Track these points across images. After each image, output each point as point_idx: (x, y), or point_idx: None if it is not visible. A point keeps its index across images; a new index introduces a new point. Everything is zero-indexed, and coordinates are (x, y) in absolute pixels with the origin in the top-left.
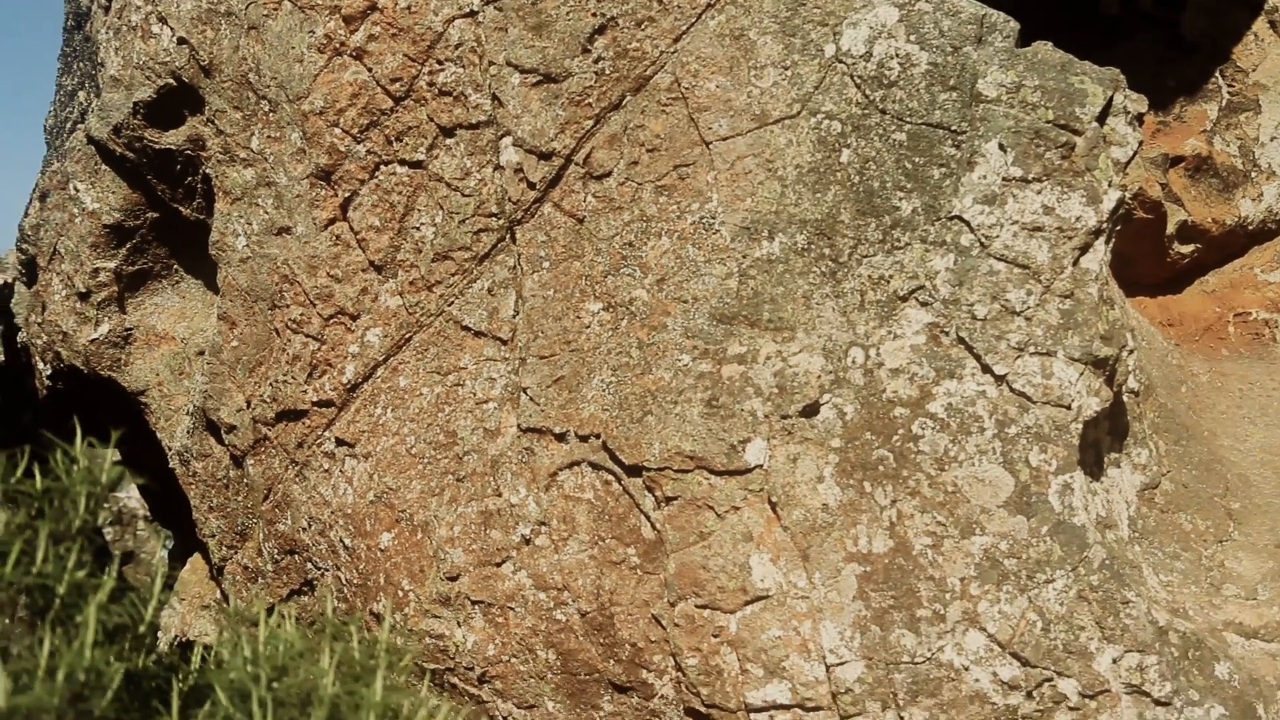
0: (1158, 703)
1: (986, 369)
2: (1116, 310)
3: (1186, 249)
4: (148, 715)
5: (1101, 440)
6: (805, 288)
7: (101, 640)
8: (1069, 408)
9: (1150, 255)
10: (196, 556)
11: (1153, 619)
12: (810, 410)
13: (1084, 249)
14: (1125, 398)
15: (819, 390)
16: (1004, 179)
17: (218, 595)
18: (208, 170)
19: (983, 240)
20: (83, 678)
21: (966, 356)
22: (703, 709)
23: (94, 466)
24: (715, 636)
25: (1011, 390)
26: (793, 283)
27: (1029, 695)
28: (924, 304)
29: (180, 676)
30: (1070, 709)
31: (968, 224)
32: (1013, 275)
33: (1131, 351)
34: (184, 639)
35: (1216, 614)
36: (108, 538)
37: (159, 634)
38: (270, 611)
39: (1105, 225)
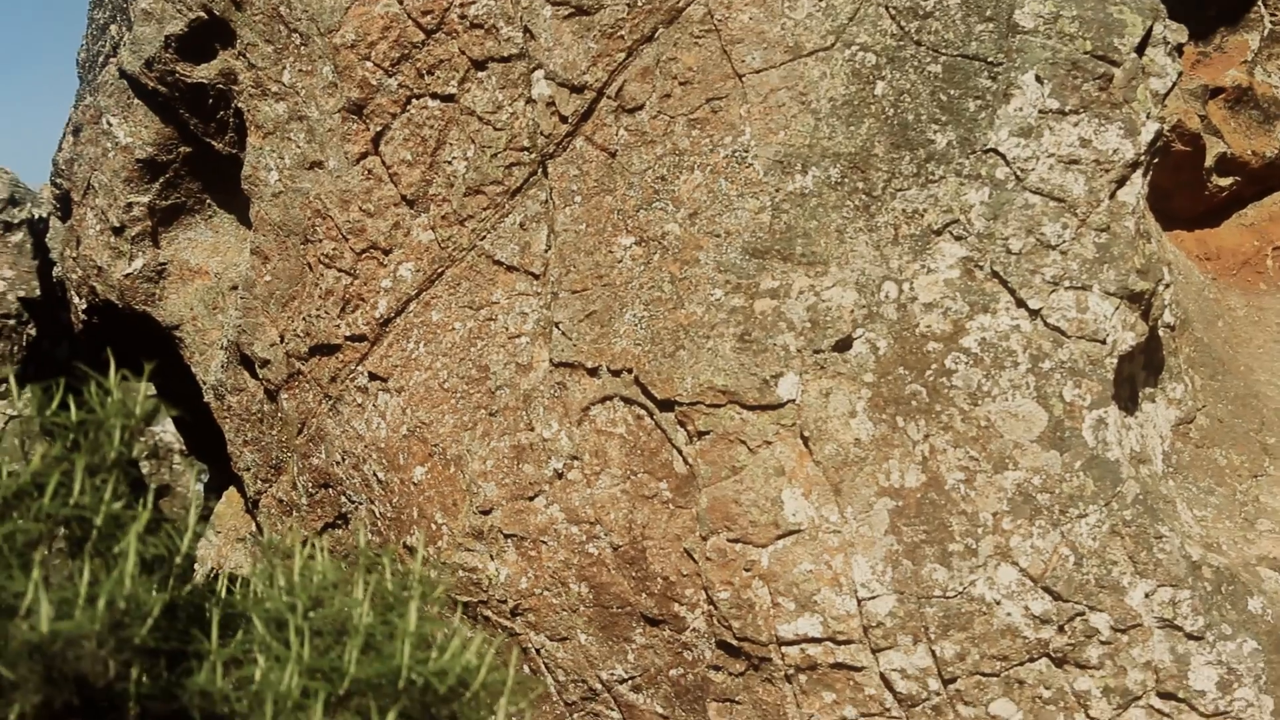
0: (1190, 637)
1: (1021, 303)
2: (1153, 244)
3: (1225, 182)
4: (186, 644)
5: (1136, 375)
6: (838, 222)
7: (139, 570)
8: (1104, 342)
9: (1188, 188)
10: (232, 490)
11: (1186, 554)
12: (843, 345)
13: (1121, 182)
14: (1161, 332)
15: (852, 325)
16: (1040, 111)
17: (253, 528)
18: (239, 104)
19: (1018, 173)
20: (123, 606)
21: (1001, 291)
22: (734, 641)
23: (128, 399)
24: (747, 570)
25: (1046, 325)
26: (826, 216)
27: (1060, 629)
28: (958, 238)
29: (217, 606)
30: (1102, 643)
31: (1003, 157)
32: (1048, 209)
33: (1168, 285)
34: (220, 571)
35: (1250, 549)
36: (144, 471)
37: (195, 566)
38: (305, 544)
39: (1143, 158)
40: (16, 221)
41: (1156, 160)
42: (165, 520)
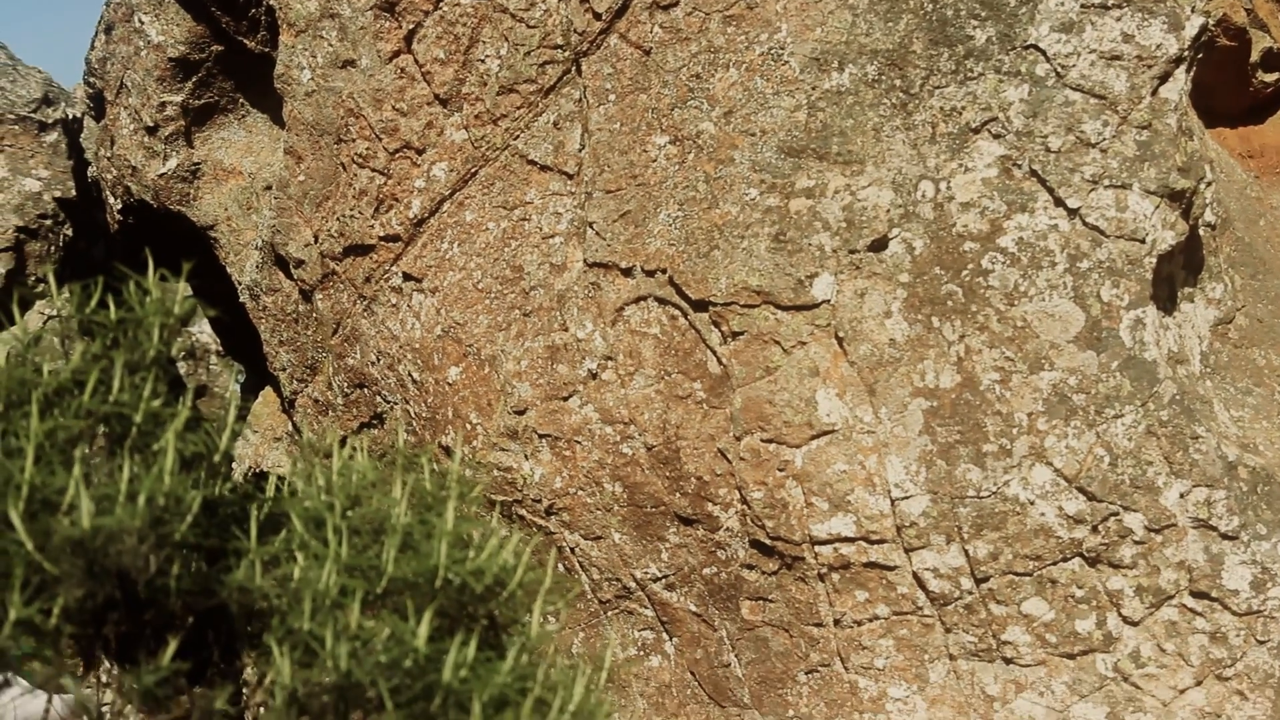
0: (1224, 536)
1: (1059, 202)
2: (1195, 141)
3: (1270, 78)
4: (225, 541)
5: (1175, 274)
6: (875, 120)
7: (179, 468)
8: (1143, 241)
9: (1232, 84)
10: (268, 390)
11: (1222, 454)
12: (879, 245)
13: (1163, 78)
14: (1201, 231)
15: (888, 224)
16: (1082, 5)
17: (289, 428)
18: (271, 1)
19: (1059, 70)
20: (162, 502)
21: (1039, 190)
22: (767, 541)
23: (167, 298)
24: (781, 470)
25: (1084, 224)
26: (862, 115)
27: (1094, 529)
28: (996, 136)
29: (256, 505)
30: (1136, 543)
31: (1043, 53)
32: (1089, 106)
33: (1209, 184)
34: (258, 470)
35: None
36: (181, 372)
37: (234, 465)
38: (342, 443)
39: (1186, 53)
40: (51, 121)
41: (1200, 56)
42: (203, 419)
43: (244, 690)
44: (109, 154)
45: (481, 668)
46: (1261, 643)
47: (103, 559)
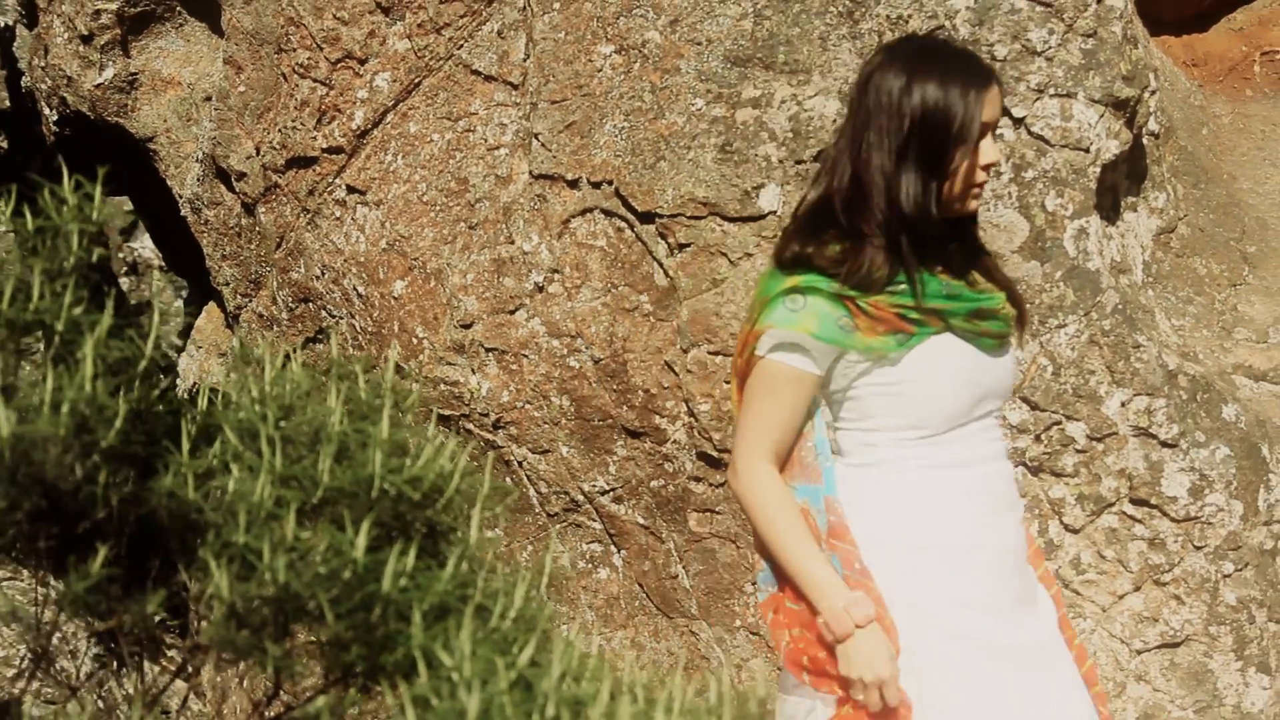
0: (1164, 444)
1: (1005, 111)
2: (1140, 50)
3: None
4: (157, 452)
5: (1119, 184)
6: (822, 29)
7: (103, 374)
8: (1087, 151)
9: None
10: (212, 305)
11: (1163, 363)
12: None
13: None
14: (1145, 140)
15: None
16: None
17: (234, 343)
18: None
19: None
20: (86, 411)
21: None
22: (714, 453)
23: (84, 205)
24: (728, 383)
25: (1030, 133)
26: (809, 23)
27: (1037, 439)
28: None
29: (190, 417)
30: (1078, 451)
31: None
32: (1035, 14)
33: (1154, 93)
34: (199, 384)
35: (1227, 357)
36: (124, 287)
37: (178, 380)
38: (278, 355)
39: None
40: None
41: None
42: (132, 326)
43: (190, 605)
44: (43, 64)
45: (421, 577)
46: (1198, 548)
47: (26, 468)
